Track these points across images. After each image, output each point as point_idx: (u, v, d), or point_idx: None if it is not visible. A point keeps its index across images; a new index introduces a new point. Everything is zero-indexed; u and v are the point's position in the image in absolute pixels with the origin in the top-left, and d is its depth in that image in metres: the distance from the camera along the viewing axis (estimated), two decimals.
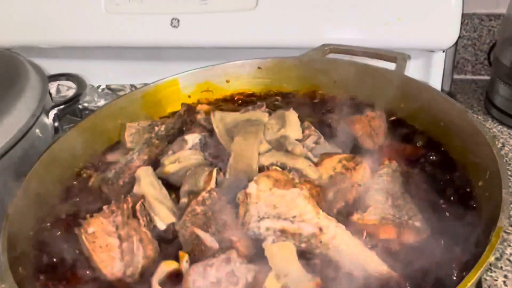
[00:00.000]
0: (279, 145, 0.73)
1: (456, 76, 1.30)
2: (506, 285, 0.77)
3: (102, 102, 1.35)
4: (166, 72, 0.98)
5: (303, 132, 0.77)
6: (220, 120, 0.75)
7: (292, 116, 0.77)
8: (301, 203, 0.61)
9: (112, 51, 1.29)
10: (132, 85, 1.35)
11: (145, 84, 0.96)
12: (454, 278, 0.58)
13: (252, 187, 0.61)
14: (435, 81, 1.13)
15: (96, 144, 0.87)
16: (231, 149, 0.71)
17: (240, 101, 0.96)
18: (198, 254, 0.63)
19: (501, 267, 0.80)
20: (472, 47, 1.26)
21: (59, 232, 0.69)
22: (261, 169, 0.68)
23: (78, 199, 0.76)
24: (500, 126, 1.10)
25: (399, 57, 0.89)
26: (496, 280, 0.78)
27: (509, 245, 0.83)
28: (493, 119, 1.12)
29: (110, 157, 0.86)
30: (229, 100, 0.98)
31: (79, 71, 1.13)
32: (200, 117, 0.80)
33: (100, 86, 1.35)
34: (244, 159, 0.68)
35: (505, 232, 0.84)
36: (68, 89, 1.37)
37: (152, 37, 1.18)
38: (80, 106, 1.29)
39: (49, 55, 1.28)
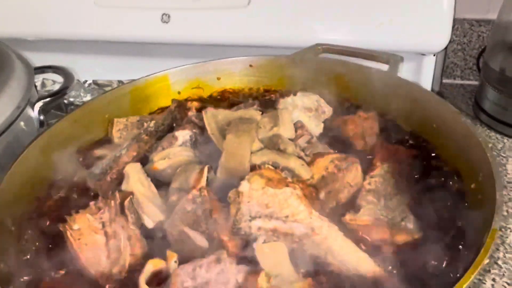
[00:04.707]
0: (271, 143, 0.73)
1: (445, 80, 1.30)
2: None
3: (88, 97, 1.32)
4: (154, 68, 0.96)
5: (295, 131, 0.76)
6: (212, 117, 0.74)
7: (285, 115, 0.76)
8: (293, 203, 0.60)
9: (100, 46, 1.27)
10: (119, 81, 1.33)
11: (133, 80, 0.94)
12: (447, 279, 0.58)
13: (244, 186, 0.60)
14: (425, 85, 1.13)
15: (83, 139, 0.85)
16: (222, 147, 0.69)
17: (231, 99, 0.95)
18: (188, 253, 0.62)
19: (489, 270, 0.81)
20: (462, 52, 1.26)
21: (43, 228, 0.67)
22: (252, 168, 0.67)
23: (63, 194, 0.74)
24: (488, 131, 1.10)
25: (392, 58, 0.88)
26: (485, 284, 0.79)
27: (497, 249, 0.84)
28: (482, 123, 1.12)
29: (98, 152, 0.84)
30: (220, 98, 0.96)
31: (66, 65, 1.10)
32: (191, 113, 0.79)
33: (86, 81, 1.33)
34: (236, 158, 0.67)
35: None
36: (54, 83, 1.34)
37: (141, 32, 1.16)
38: (65, 101, 1.26)
39: (35, 48, 1.25)
